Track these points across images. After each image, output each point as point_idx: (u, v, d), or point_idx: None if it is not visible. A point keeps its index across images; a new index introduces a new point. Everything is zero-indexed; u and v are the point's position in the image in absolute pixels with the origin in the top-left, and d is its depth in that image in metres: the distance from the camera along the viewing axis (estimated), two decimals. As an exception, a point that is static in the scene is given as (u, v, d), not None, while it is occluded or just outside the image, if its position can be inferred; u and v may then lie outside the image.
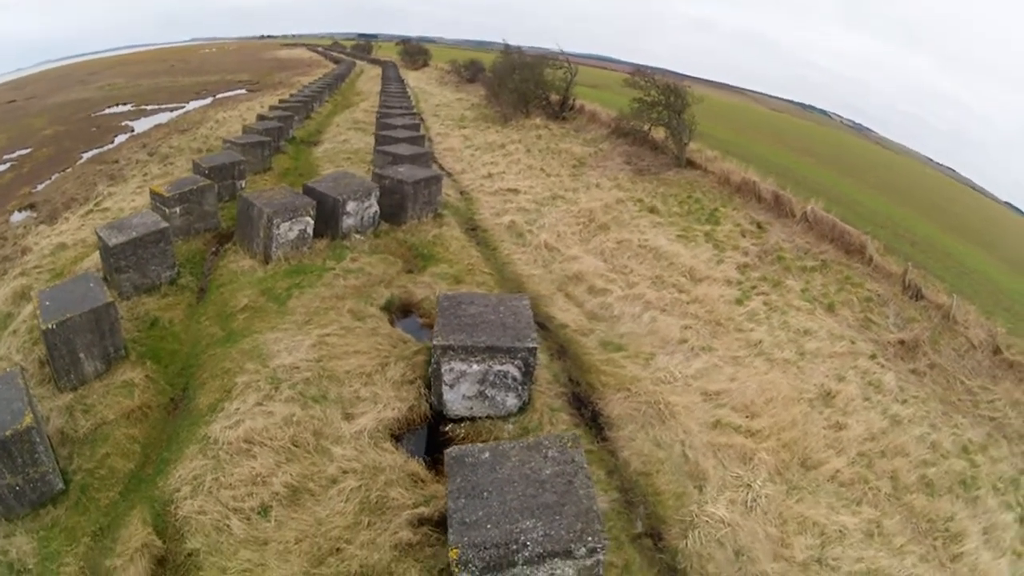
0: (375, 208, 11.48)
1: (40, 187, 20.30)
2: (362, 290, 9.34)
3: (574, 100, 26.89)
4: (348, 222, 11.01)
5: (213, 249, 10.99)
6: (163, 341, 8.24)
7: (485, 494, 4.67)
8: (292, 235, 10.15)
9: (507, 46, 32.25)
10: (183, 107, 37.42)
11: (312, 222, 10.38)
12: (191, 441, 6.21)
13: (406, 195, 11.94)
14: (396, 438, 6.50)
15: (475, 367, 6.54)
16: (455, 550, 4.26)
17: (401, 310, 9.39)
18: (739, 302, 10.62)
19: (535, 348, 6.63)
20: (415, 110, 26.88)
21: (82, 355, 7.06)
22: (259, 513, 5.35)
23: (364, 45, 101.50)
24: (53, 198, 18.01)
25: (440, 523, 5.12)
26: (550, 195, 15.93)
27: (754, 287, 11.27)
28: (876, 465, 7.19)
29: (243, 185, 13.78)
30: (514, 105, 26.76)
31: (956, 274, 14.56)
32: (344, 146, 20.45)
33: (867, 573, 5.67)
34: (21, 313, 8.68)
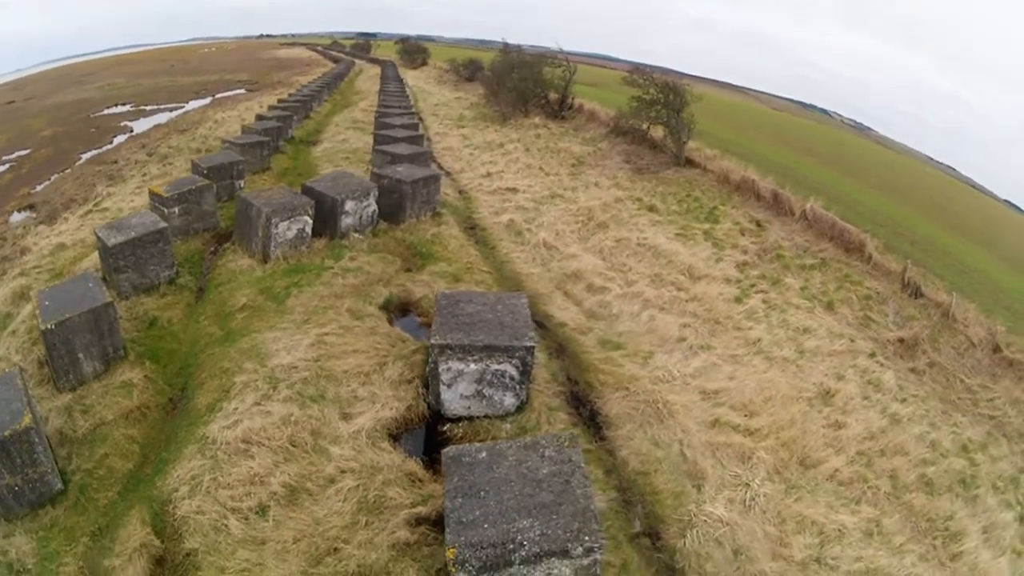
0: (374, 207, 11.47)
1: (39, 188, 20.31)
2: (360, 289, 9.33)
3: (573, 99, 26.85)
4: (347, 221, 11.01)
5: (212, 249, 10.99)
6: (162, 341, 8.24)
7: (482, 494, 4.66)
8: (291, 234, 10.15)
9: (506, 45, 32.23)
10: (182, 107, 37.42)
11: (311, 221, 10.38)
12: (189, 441, 6.22)
13: (404, 194, 11.94)
14: (394, 438, 6.50)
15: (472, 366, 6.54)
16: (452, 550, 4.26)
17: (400, 309, 9.39)
18: (738, 300, 10.61)
19: (533, 347, 6.62)
20: (414, 109, 26.88)
21: (81, 355, 7.06)
22: (257, 513, 5.35)
23: (363, 44, 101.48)
24: (52, 199, 18.02)
25: (438, 522, 5.12)
26: (549, 194, 15.92)
27: (753, 285, 11.26)
28: (875, 464, 7.17)
29: (242, 185, 13.78)
30: (513, 104, 26.72)
31: (956, 272, 14.55)
32: (343, 145, 20.44)
33: (866, 572, 5.66)
34: (20, 313, 8.69)
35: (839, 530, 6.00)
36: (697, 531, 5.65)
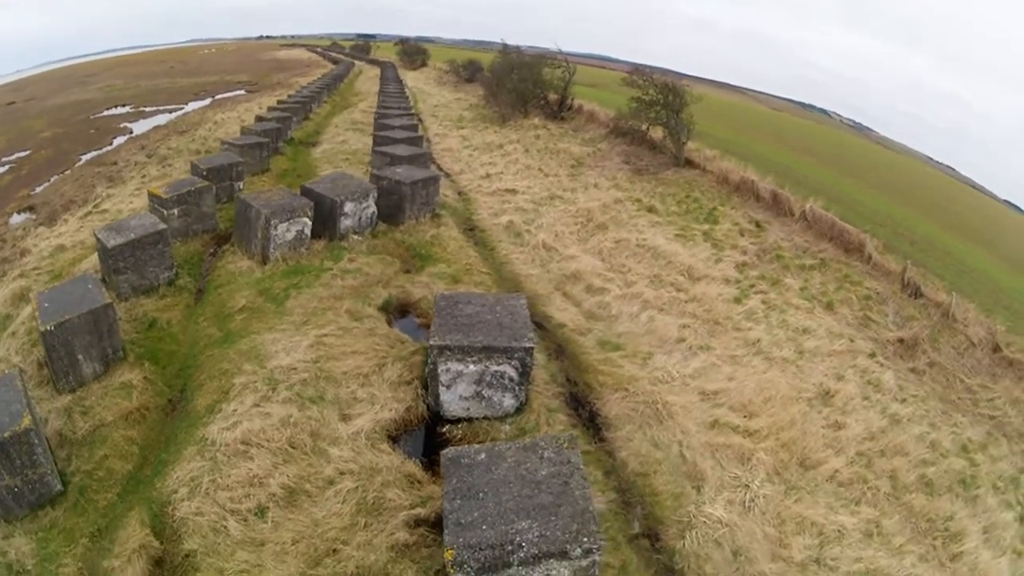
0: (373, 209, 11.48)
1: (39, 189, 20.32)
2: (360, 290, 9.34)
3: (572, 100, 26.85)
4: (346, 223, 11.01)
5: (211, 250, 10.99)
6: (161, 342, 8.24)
7: (481, 495, 4.66)
8: (290, 236, 10.15)
9: (505, 46, 32.21)
10: (182, 108, 37.43)
11: (310, 223, 10.39)
12: (189, 442, 6.22)
13: (404, 196, 11.94)
14: (393, 439, 6.50)
15: (472, 367, 6.54)
16: (451, 551, 4.26)
17: (399, 310, 9.39)
18: (737, 301, 10.61)
19: (532, 348, 6.62)
20: (413, 110, 26.88)
21: (80, 357, 7.06)
22: (256, 514, 5.35)
23: (363, 45, 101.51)
24: (52, 200, 18.02)
25: (437, 524, 5.12)
26: (548, 195, 15.92)
27: (752, 286, 11.26)
28: (875, 464, 7.17)
29: (241, 186, 13.78)
30: (512, 105, 26.73)
31: (955, 272, 14.54)
32: (342, 147, 20.45)
33: (866, 573, 5.65)
34: (20, 315, 8.69)
35: (839, 531, 6.00)
36: (696, 532, 5.64)
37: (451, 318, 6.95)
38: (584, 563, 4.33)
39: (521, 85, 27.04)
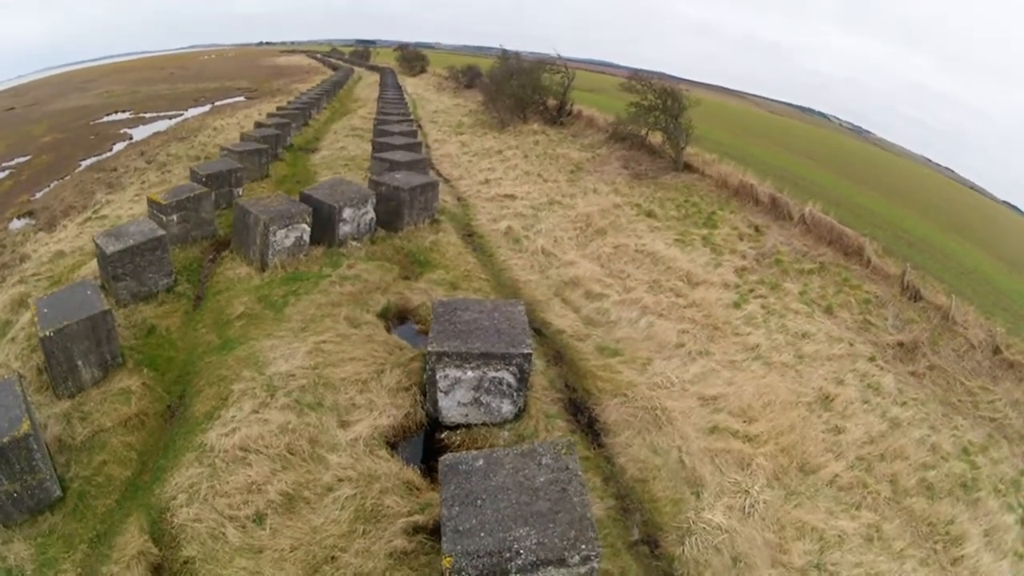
0: (371, 215, 11.49)
1: (39, 195, 20.33)
2: (358, 297, 9.34)
3: (571, 105, 26.94)
4: (344, 229, 11.03)
5: (210, 256, 11.00)
6: (160, 348, 8.24)
7: (479, 502, 4.66)
8: (288, 242, 10.17)
9: (504, 51, 32.35)
10: (182, 114, 37.51)
11: (308, 229, 10.40)
12: (187, 449, 6.21)
13: (402, 201, 11.96)
14: (392, 445, 6.49)
15: (470, 373, 6.54)
16: (449, 558, 4.25)
17: (397, 317, 9.40)
18: (736, 306, 10.61)
19: (530, 354, 6.62)
20: (412, 116, 26.98)
21: (79, 362, 7.07)
22: (254, 521, 5.34)
23: (362, 51, 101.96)
24: (51, 206, 18.05)
25: (435, 531, 5.10)
26: (547, 200, 15.95)
27: (752, 290, 11.27)
28: (875, 468, 7.15)
29: (240, 192, 13.81)
30: (511, 111, 26.82)
31: (955, 274, 14.56)
32: (341, 153, 20.50)
33: (865, 578, 5.64)
34: (19, 320, 8.69)
35: (839, 536, 5.98)
36: (696, 538, 5.63)
37: (449, 324, 6.95)
38: (582, 570, 4.32)
39: (520, 91, 27.13)
